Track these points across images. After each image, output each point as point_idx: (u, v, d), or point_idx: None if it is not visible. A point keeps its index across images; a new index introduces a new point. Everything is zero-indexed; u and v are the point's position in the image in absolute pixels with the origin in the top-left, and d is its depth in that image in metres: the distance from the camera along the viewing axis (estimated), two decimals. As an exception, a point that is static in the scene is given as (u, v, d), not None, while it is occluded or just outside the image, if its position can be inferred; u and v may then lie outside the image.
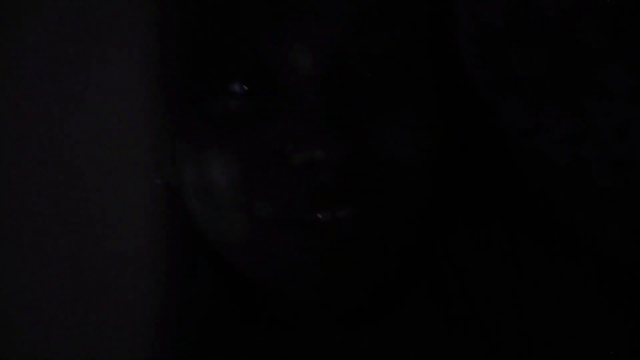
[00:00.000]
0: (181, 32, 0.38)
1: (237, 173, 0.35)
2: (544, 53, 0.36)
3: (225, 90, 0.35)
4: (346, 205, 0.34)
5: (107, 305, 0.24)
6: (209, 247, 0.39)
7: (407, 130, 0.35)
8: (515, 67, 0.37)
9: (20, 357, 0.19)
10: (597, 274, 0.39)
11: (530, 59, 0.36)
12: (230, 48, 0.35)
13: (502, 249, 0.41)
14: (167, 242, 0.36)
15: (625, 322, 0.38)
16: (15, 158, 0.20)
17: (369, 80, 0.35)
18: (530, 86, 0.37)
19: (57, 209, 0.20)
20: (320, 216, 0.34)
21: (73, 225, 0.21)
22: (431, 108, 0.37)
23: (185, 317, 0.39)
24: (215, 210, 0.36)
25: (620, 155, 0.36)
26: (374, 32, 0.35)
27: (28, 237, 0.20)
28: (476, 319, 0.39)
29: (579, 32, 0.35)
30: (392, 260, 0.37)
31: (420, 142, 0.36)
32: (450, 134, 0.39)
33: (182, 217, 0.39)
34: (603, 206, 0.37)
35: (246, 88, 0.35)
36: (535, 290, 0.39)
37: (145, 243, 0.27)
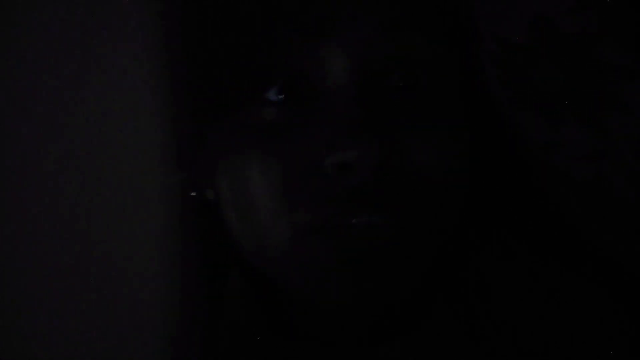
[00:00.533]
0: (213, 40, 0.39)
1: (273, 180, 0.35)
2: (565, 70, 0.37)
3: (261, 99, 0.36)
4: (380, 211, 0.34)
5: (124, 315, 0.26)
6: (241, 258, 0.40)
7: (438, 137, 0.36)
8: (536, 84, 0.37)
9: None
10: (616, 291, 0.39)
11: (552, 76, 0.37)
12: (264, 56, 0.36)
13: (522, 263, 0.41)
14: (190, 252, 0.37)
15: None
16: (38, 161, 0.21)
17: (401, 87, 0.36)
18: (551, 102, 0.37)
19: (75, 215, 0.21)
20: (354, 221, 0.34)
21: (92, 232, 0.22)
22: (460, 118, 0.38)
23: (214, 328, 0.40)
24: (251, 218, 0.36)
25: (641, 171, 0.36)
26: (405, 39, 0.36)
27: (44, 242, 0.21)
28: (498, 333, 0.40)
29: (601, 49, 0.36)
30: (423, 268, 0.38)
31: (452, 150, 0.36)
32: (476, 146, 0.39)
33: (211, 227, 0.41)
34: (624, 222, 0.37)
35: (281, 96, 0.36)
36: (556, 305, 0.40)
37: (165, 251, 0.28)
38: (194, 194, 0.42)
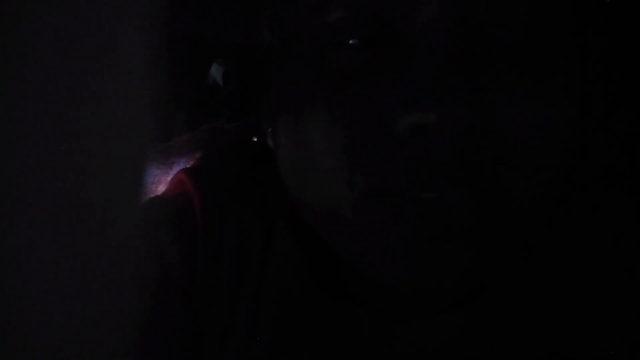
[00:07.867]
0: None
1: (336, 135, 0.31)
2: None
3: (334, 41, 0.32)
4: (457, 187, 0.29)
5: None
6: (292, 212, 0.38)
7: (541, 104, 0.30)
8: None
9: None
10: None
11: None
12: None
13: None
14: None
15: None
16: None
17: (502, 42, 0.30)
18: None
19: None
20: (425, 195, 0.30)
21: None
22: (572, 84, 0.32)
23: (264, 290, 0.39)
24: (309, 174, 0.33)
25: None
26: None
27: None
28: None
29: None
30: (498, 253, 0.32)
31: (556, 120, 0.30)
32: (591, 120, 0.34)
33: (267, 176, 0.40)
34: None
35: (355, 40, 0.31)
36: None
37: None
38: (255, 138, 0.42)
